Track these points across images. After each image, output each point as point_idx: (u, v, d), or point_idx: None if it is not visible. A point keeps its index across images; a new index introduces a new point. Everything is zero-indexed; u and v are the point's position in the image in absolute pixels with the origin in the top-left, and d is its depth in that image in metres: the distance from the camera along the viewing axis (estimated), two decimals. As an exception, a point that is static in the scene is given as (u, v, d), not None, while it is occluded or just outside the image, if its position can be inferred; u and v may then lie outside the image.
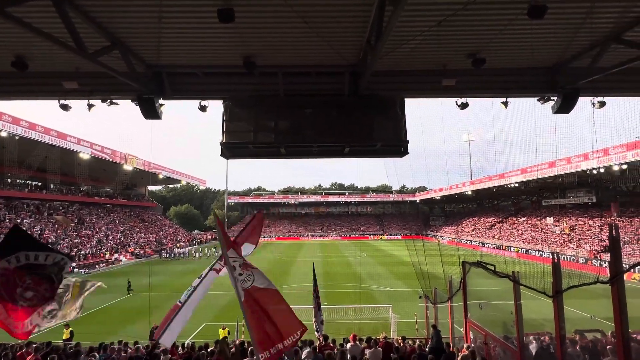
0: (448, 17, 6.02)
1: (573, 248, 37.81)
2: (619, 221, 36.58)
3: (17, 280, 4.58)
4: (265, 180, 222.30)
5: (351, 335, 9.37)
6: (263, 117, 8.30)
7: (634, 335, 7.14)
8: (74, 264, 32.73)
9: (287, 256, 48.99)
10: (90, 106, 8.58)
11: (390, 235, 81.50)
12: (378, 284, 27.83)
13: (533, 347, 7.71)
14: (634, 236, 33.70)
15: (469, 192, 61.12)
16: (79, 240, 41.54)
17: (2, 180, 40.33)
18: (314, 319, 10.13)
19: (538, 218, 50.03)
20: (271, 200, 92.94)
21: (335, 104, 8.37)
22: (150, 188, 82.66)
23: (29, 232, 35.08)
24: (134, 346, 9.34)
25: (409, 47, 7.03)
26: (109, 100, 8.56)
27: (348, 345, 8.65)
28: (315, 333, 10.05)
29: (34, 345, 8.39)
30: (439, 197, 76.20)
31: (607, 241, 21.37)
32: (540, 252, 39.12)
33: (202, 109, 8.82)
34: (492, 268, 7.76)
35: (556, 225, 46.15)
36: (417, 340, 11.05)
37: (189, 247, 56.85)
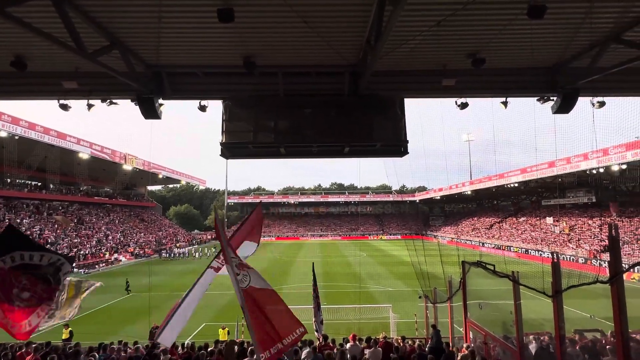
0: (448, 17, 6.02)
1: (573, 248, 37.83)
2: (618, 221, 36.60)
3: (13, 281, 4.52)
4: (265, 180, 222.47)
5: (351, 335, 9.37)
6: (263, 117, 8.30)
7: (634, 335, 7.14)
8: (73, 264, 32.61)
9: (286, 256, 48.99)
10: (89, 106, 8.57)
11: (390, 235, 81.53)
12: (378, 283, 27.84)
13: (533, 347, 7.71)
14: (633, 236, 33.72)
15: (469, 192, 61.14)
16: (79, 240, 41.52)
17: (1, 180, 40.32)
18: (313, 319, 10.14)
19: (538, 218, 50.05)
20: (271, 200, 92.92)
21: (335, 104, 8.37)
22: (149, 188, 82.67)
23: (24, 232, 35.10)
24: (134, 346, 9.34)
25: (408, 47, 7.04)
26: (108, 100, 8.56)
27: (348, 345, 8.65)
28: (315, 333, 10.05)
29: (34, 345, 8.38)
30: (438, 197, 76.23)
31: (606, 241, 21.36)
32: (540, 252, 39.14)
33: (202, 108, 8.82)
34: (492, 268, 7.77)
35: (556, 225, 46.18)
36: (417, 340, 11.06)
37: (189, 247, 56.85)
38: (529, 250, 43.06)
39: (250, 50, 7.43)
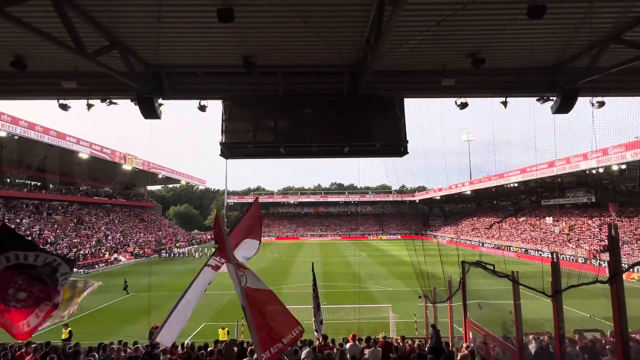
0: (447, 17, 6.02)
1: (572, 248, 37.85)
2: (617, 221, 36.62)
3: (9, 281, 4.47)
4: (264, 180, 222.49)
5: (350, 335, 9.37)
6: (262, 116, 8.29)
7: (633, 335, 7.15)
8: (73, 266, 32.59)
9: (286, 256, 49.00)
10: (89, 106, 8.57)
11: (390, 235, 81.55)
12: (377, 283, 27.84)
13: (532, 347, 7.71)
14: (633, 236, 33.74)
15: (469, 192, 61.15)
16: (78, 240, 41.50)
17: (1, 180, 40.28)
18: (313, 319, 10.14)
19: (537, 218, 50.08)
20: (271, 200, 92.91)
21: (335, 104, 8.37)
22: (149, 188, 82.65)
23: (24, 232, 35.06)
24: (134, 346, 9.34)
25: (408, 47, 7.04)
26: (108, 100, 8.55)
27: (347, 345, 8.65)
28: (315, 333, 10.05)
29: (33, 346, 8.39)
30: (438, 197, 76.25)
31: (606, 241, 21.38)
32: (540, 252, 39.17)
33: (202, 108, 8.82)
34: (492, 268, 7.77)
35: (555, 225, 46.21)
36: (417, 340, 11.07)
37: (189, 247, 56.84)
38: (529, 250, 43.08)
39: (250, 50, 7.43)
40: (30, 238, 34.68)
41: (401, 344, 9.24)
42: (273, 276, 30.60)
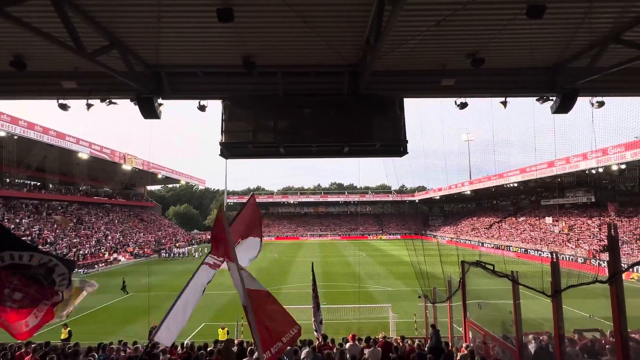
0: (447, 17, 6.02)
1: (572, 248, 37.88)
2: (617, 221, 36.65)
3: (4, 281, 4.41)
4: (264, 180, 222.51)
5: (350, 335, 9.37)
6: (262, 116, 8.29)
7: (633, 335, 7.16)
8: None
9: (286, 256, 49.00)
10: (89, 106, 8.56)
11: (390, 234, 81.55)
12: (377, 283, 27.85)
13: (532, 347, 7.72)
14: (632, 236, 33.77)
15: (468, 192, 61.17)
16: (78, 240, 41.48)
17: (0, 180, 40.24)
18: (313, 319, 10.15)
19: (537, 218, 50.11)
20: (270, 200, 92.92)
21: (335, 104, 8.37)
22: (149, 188, 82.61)
23: (24, 232, 35.02)
24: (133, 346, 9.33)
25: (408, 47, 7.04)
26: (107, 100, 8.55)
27: (347, 345, 8.66)
28: (315, 333, 10.06)
29: (33, 346, 8.39)
30: (438, 197, 76.27)
31: (605, 241, 21.41)
32: (539, 252, 39.20)
33: (202, 108, 8.82)
34: (491, 268, 7.78)
35: (555, 225, 46.24)
36: (416, 339, 11.08)
37: (188, 247, 56.80)
38: (528, 250, 43.10)
39: (250, 50, 7.43)
40: (29, 238, 34.69)
41: (401, 344, 9.24)
42: (273, 276, 30.60)
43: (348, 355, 7.91)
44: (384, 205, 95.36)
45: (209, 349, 8.65)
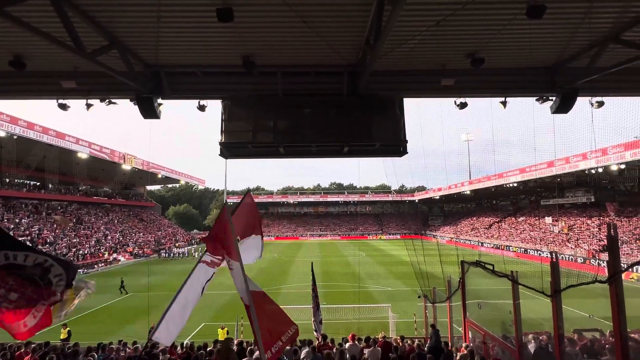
0: (447, 17, 6.02)
1: (571, 247, 37.90)
2: (617, 221, 36.67)
3: (0, 282, 4.35)
4: (264, 179, 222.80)
5: (350, 335, 9.38)
6: (262, 116, 8.29)
7: (633, 335, 7.16)
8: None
9: (286, 256, 49.00)
10: (88, 106, 8.56)
11: (389, 234, 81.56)
12: (377, 283, 27.85)
13: (531, 347, 7.72)
14: (632, 236, 33.79)
15: (468, 192, 61.19)
16: (78, 240, 41.45)
17: (0, 180, 40.22)
18: (312, 319, 10.15)
19: (537, 218, 50.13)
20: (270, 199, 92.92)
21: (334, 104, 8.37)
22: (149, 188, 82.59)
23: (23, 232, 34.98)
24: (133, 346, 9.33)
25: (408, 46, 7.04)
26: (107, 100, 8.55)
27: (347, 345, 8.66)
28: (314, 332, 10.07)
29: (32, 346, 8.38)
30: (437, 197, 76.28)
31: (605, 240, 21.42)
32: (539, 252, 39.21)
33: (201, 108, 8.82)
34: (491, 267, 7.78)
35: (554, 225, 46.26)
36: (416, 339, 11.09)
37: (188, 247, 56.73)
38: (528, 250, 43.12)
39: (250, 50, 7.42)
40: (29, 238, 34.67)
41: (400, 344, 9.24)
42: (273, 276, 30.60)
43: (348, 355, 7.91)
44: (383, 205, 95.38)
45: (208, 349, 8.65)
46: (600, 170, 33.29)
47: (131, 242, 49.82)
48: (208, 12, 5.84)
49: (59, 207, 46.77)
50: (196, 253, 50.69)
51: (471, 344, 9.12)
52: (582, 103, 8.58)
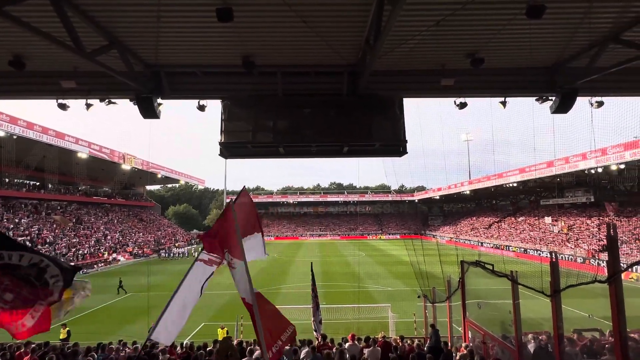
0: (447, 17, 6.02)
1: (571, 247, 37.92)
2: (616, 220, 36.70)
3: None
4: (264, 179, 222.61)
5: (350, 335, 9.39)
6: (262, 116, 8.29)
7: (632, 335, 7.17)
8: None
9: (285, 256, 49.01)
10: (88, 106, 8.56)
11: (389, 234, 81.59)
12: (377, 283, 27.86)
13: (531, 347, 7.73)
14: (631, 235, 33.81)
15: (468, 192, 61.22)
16: (77, 240, 41.44)
17: (0, 180, 40.19)
18: (312, 319, 10.15)
19: (536, 218, 50.16)
20: (270, 199, 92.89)
21: (334, 104, 8.37)
22: (148, 187, 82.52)
23: (23, 232, 34.95)
24: (132, 346, 9.33)
25: (407, 46, 7.04)
26: (107, 100, 8.54)
27: (347, 345, 8.66)
28: (314, 332, 10.07)
29: (32, 346, 8.38)
30: (437, 197, 76.30)
31: (604, 240, 21.43)
32: (539, 252, 39.23)
33: (201, 108, 8.82)
34: (491, 267, 7.78)
35: (554, 225, 46.29)
36: (416, 339, 11.10)
37: (188, 247, 56.70)
38: (528, 250, 43.15)
39: (249, 50, 7.42)
40: (29, 238, 34.65)
41: (400, 344, 9.25)
42: (272, 276, 30.61)
43: (347, 355, 7.91)
44: (383, 205, 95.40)
45: (208, 349, 8.65)
46: (599, 170, 33.33)
47: (131, 242, 49.81)
48: (208, 12, 5.84)
49: (59, 207, 46.74)
50: (196, 253, 50.54)
51: (471, 344, 9.13)
52: (582, 103, 8.60)
